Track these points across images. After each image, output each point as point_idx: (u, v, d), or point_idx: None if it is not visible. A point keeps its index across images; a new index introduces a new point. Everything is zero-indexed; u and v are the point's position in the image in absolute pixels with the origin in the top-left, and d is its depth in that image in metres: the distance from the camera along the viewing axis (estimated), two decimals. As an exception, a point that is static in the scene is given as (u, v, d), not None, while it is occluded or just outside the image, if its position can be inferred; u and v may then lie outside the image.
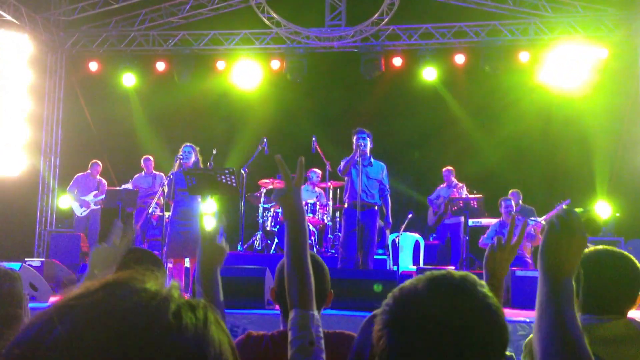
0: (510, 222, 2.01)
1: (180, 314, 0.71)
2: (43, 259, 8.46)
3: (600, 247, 2.27)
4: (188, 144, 7.98)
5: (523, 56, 11.92)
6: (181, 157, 7.77)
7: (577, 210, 1.48)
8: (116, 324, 0.67)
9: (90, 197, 10.59)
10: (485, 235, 9.24)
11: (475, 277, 1.17)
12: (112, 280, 0.74)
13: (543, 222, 9.06)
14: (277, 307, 2.47)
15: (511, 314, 6.73)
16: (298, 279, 1.76)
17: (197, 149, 8.00)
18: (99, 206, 10.52)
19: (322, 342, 1.71)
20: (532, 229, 9.04)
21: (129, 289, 0.72)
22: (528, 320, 6.00)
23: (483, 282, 1.17)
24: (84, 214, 10.54)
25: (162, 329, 0.69)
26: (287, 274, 1.80)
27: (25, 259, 8.09)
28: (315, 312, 1.75)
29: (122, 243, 1.97)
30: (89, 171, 10.79)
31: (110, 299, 0.70)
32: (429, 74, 12.12)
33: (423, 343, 1.09)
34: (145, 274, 0.76)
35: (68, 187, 10.76)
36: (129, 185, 10.18)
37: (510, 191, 10.30)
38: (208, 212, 7.75)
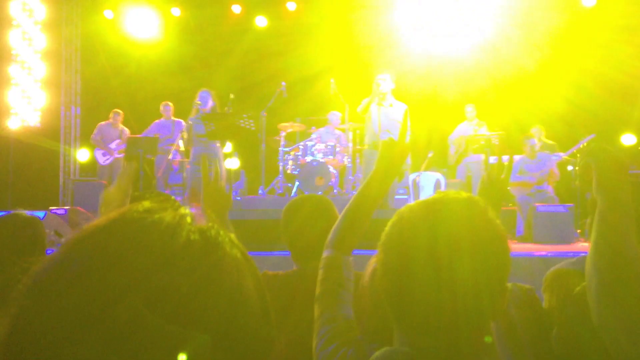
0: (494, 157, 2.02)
1: (190, 239, 0.69)
2: (68, 207, 8.59)
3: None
4: (204, 89, 7.94)
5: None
6: (199, 103, 7.75)
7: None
8: (130, 257, 0.66)
9: (113, 146, 10.64)
10: None
11: (479, 199, 1.15)
12: (122, 214, 0.72)
13: (567, 158, 8.95)
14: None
15: (533, 249, 6.75)
16: (350, 223, 1.75)
17: (213, 92, 7.96)
18: (122, 154, 10.56)
19: (352, 285, 1.71)
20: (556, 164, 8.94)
21: (139, 222, 0.71)
22: (549, 254, 6.02)
23: (487, 208, 1.14)
24: (108, 162, 10.60)
25: (172, 256, 0.67)
26: (343, 213, 1.78)
27: (51, 208, 8.23)
28: (349, 257, 1.75)
29: (124, 179, 1.96)
30: (110, 120, 10.81)
31: (121, 234, 0.69)
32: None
33: (414, 264, 1.07)
34: (156, 205, 0.74)
35: (92, 135, 10.80)
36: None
37: (532, 128, 10.15)
38: (219, 155, 7.67)
